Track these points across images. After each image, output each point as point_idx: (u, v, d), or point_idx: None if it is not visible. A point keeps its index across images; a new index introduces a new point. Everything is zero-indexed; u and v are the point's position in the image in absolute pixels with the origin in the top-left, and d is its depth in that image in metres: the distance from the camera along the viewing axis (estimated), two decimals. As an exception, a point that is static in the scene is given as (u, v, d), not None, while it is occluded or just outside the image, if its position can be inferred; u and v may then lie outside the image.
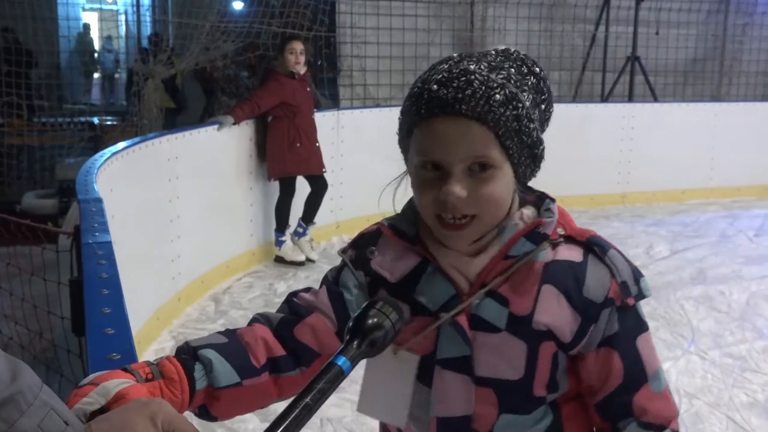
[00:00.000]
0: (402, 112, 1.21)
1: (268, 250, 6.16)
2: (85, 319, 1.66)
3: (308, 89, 5.91)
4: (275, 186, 6.05)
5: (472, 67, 1.15)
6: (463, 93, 1.12)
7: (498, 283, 1.18)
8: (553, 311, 1.17)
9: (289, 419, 0.93)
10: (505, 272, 1.19)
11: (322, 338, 1.24)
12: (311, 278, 5.73)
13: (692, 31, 9.62)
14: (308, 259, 6.08)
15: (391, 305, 1.11)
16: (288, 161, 5.83)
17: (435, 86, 1.14)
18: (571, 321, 1.18)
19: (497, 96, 1.12)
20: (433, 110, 1.13)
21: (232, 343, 1.19)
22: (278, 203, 6.00)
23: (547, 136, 1.23)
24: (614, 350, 1.20)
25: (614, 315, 1.20)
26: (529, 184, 1.26)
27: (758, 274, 5.77)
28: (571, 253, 1.21)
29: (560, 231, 1.22)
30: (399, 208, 1.30)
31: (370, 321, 1.08)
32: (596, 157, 7.94)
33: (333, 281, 1.31)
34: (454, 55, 1.21)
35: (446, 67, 1.16)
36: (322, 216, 6.36)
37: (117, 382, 1.00)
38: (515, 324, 1.17)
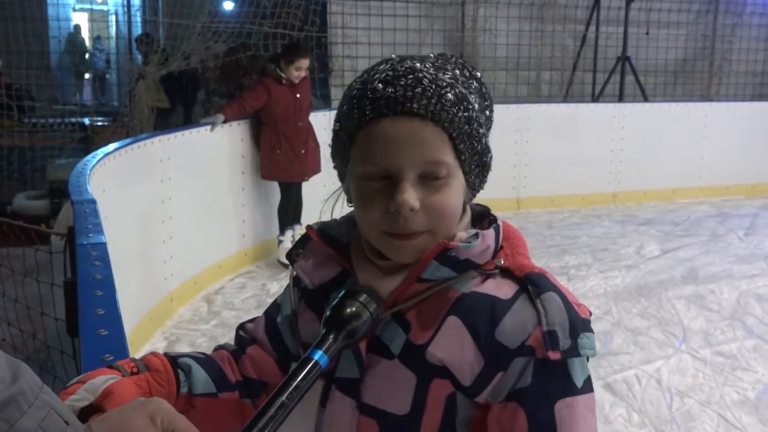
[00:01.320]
0: (338, 119, 1.07)
1: (261, 251, 6.16)
2: (79, 320, 1.66)
3: (297, 96, 5.87)
4: (267, 187, 6.07)
5: (417, 65, 1.04)
6: (413, 91, 1.00)
7: (407, 306, 1.05)
8: (452, 347, 1.01)
9: (264, 419, 0.88)
10: (417, 296, 1.05)
11: (262, 368, 1.20)
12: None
13: (682, 31, 9.66)
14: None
15: (368, 293, 1.01)
16: (268, 167, 5.88)
17: (380, 85, 1.01)
18: (473, 362, 1.01)
19: (449, 95, 1.01)
20: (381, 110, 1.00)
21: (208, 358, 1.19)
22: (279, 204, 6.04)
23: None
24: (520, 407, 0.99)
25: (529, 367, 0.99)
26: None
27: (748, 272, 5.81)
28: (498, 289, 1.04)
29: (498, 262, 1.05)
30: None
31: (347, 310, 0.99)
32: (587, 157, 7.98)
33: (275, 305, 1.26)
34: (393, 56, 1.09)
35: (388, 66, 1.04)
36: (313, 217, 6.36)
37: (104, 378, 1.01)
38: (409, 353, 1.04)
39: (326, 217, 1.17)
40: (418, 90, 1.00)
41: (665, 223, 7.53)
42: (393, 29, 8.36)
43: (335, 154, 1.10)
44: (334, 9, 8.21)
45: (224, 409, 1.15)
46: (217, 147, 5.69)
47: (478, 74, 1.11)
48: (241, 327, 1.26)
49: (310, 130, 6.02)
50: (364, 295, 1.01)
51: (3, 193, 7.94)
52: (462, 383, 1.01)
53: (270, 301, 4.84)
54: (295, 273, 1.19)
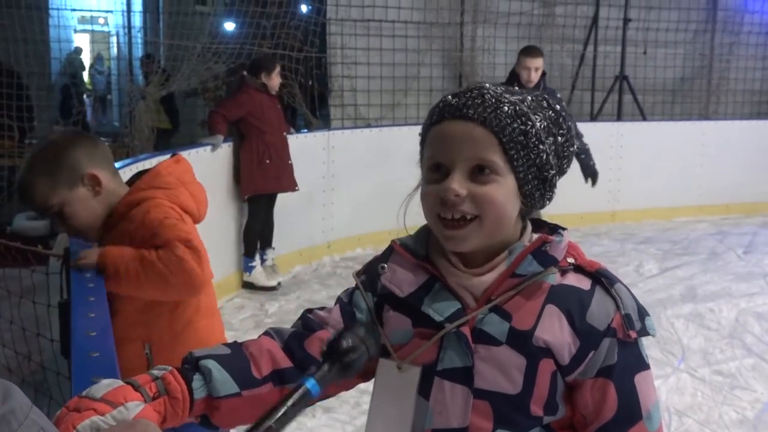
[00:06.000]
0: (422, 127, 1.28)
1: (259, 271, 6.15)
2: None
3: (278, 107, 5.89)
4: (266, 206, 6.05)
5: (488, 85, 1.24)
6: (473, 101, 1.20)
7: (504, 299, 1.21)
8: (554, 330, 1.19)
9: None
10: (512, 290, 1.21)
11: None
12: (302, 298, 5.73)
13: (680, 50, 9.71)
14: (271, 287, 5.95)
15: (366, 329, 1.11)
16: (257, 178, 5.75)
17: (450, 97, 1.23)
18: (571, 343, 1.19)
19: (505, 108, 1.19)
20: (444, 115, 1.21)
21: (234, 355, 1.23)
22: (246, 227, 5.89)
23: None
24: (611, 381, 1.20)
25: (615, 346, 1.20)
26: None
27: (747, 291, 5.80)
28: (579, 281, 1.23)
29: (570, 260, 1.24)
30: (408, 223, 1.34)
31: (344, 344, 1.08)
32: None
33: (347, 301, 1.35)
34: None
35: (467, 87, 1.25)
36: (313, 236, 6.36)
37: (135, 404, 1.03)
38: (516, 338, 1.19)
39: (401, 214, 1.34)
40: (478, 101, 1.20)
41: (664, 241, 7.53)
42: (392, 49, 8.40)
43: (420, 154, 1.28)
44: (334, 30, 8.24)
45: (249, 404, 1.21)
46: (214, 167, 5.70)
47: (559, 107, 1.26)
48: (311, 311, 1.36)
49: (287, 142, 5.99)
50: (362, 330, 1.10)
51: (3, 213, 7.95)
52: (561, 362, 1.19)
53: (269, 321, 4.83)
54: (360, 280, 1.34)
